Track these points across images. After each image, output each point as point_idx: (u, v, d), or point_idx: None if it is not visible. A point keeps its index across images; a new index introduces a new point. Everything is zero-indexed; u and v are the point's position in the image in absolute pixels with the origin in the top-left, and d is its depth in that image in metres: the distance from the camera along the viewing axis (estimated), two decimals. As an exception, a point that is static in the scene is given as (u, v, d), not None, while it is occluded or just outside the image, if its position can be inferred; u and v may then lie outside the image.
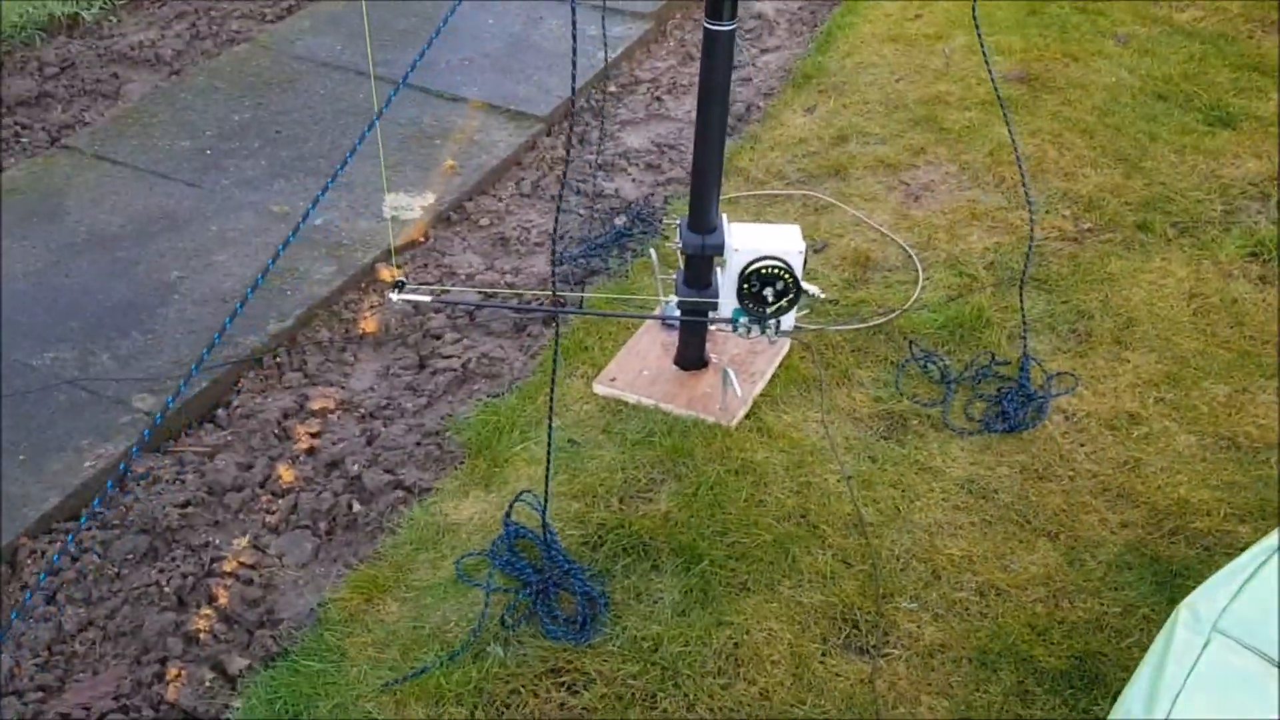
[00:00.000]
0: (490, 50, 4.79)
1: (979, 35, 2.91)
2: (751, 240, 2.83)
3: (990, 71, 2.95)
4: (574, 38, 2.09)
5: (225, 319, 1.86)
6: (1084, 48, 4.79)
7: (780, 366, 3.21)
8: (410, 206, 3.89)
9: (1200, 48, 4.78)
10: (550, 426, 2.63)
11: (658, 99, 4.64)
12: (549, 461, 2.62)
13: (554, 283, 2.71)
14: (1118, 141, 4.20)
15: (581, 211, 3.95)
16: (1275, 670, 1.66)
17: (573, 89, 2.15)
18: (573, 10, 2.16)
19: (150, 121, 4.26)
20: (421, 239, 3.80)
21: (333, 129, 4.25)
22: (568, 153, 2.31)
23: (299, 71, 4.61)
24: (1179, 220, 3.82)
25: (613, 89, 4.69)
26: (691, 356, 3.18)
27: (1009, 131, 3.18)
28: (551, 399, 2.59)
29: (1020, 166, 3.21)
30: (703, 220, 2.90)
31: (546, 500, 2.64)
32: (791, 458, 2.95)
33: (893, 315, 3.41)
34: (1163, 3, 5.15)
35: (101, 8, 4.98)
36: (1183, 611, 1.76)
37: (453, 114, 4.38)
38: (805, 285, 2.84)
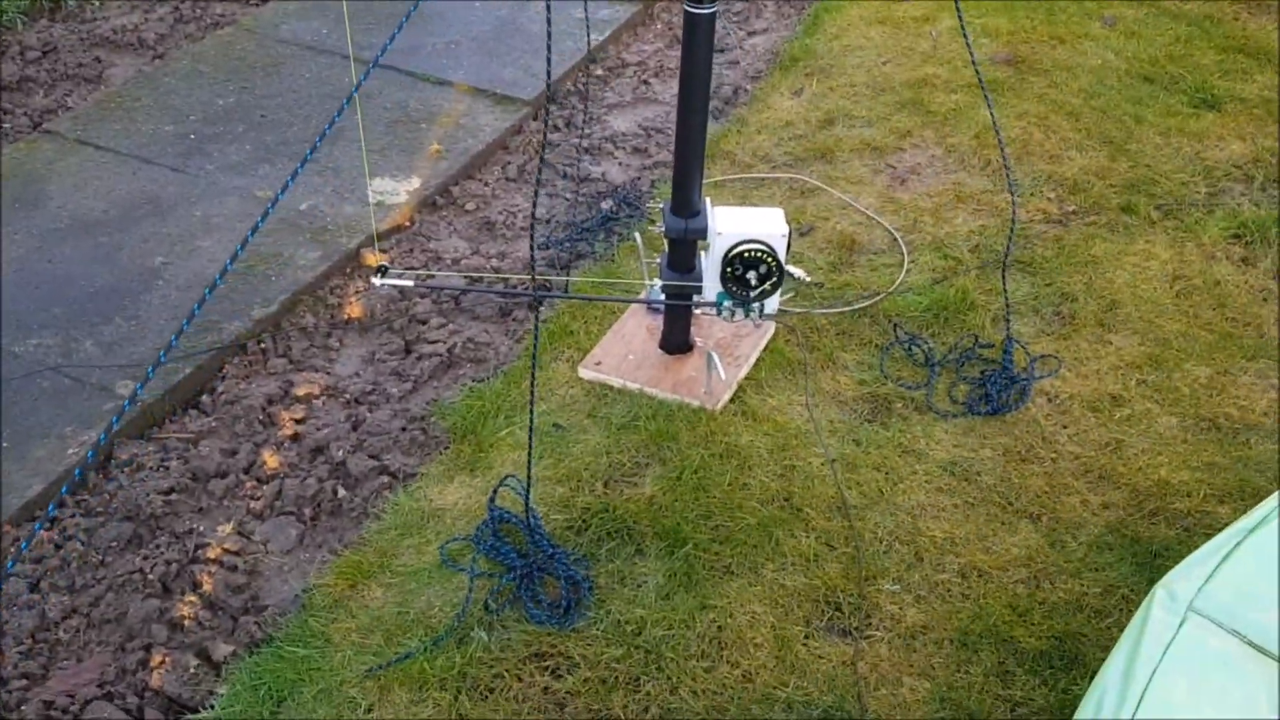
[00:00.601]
0: (477, 33, 4.77)
1: (960, 18, 2.90)
2: (735, 224, 2.82)
3: (972, 55, 2.94)
4: (549, 21, 2.09)
5: (208, 304, 1.86)
6: (1071, 29, 4.79)
7: (765, 350, 3.21)
8: (395, 191, 3.88)
9: (1186, 30, 4.78)
10: (532, 411, 2.64)
11: (645, 82, 4.63)
12: (530, 446, 2.63)
13: (533, 265, 2.71)
14: (1103, 124, 4.20)
15: (567, 195, 3.95)
16: (1249, 650, 1.67)
17: (548, 71, 2.14)
18: (549, -6, 2.15)
19: (133, 106, 4.24)
20: (407, 224, 3.79)
21: (318, 113, 4.23)
22: (545, 136, 2.31)
23: (284, 55, 4.58)
24: (1163, 202, 3.82)
25: (599, 72, 4.68)
26: (676, 340, 3.18)
27: (990, 115, 3.18)
28: (533, 383, 2.60)
29: (1003, 150, 3.22)
30: (685, 204, 2.90)
31: (529, 485, 2.65)
32: (776, 441, 2.95)
33: (878, 298, 3.42)
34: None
35: (84, -9, 4.95)
36: (1159, 591, 1.77)
37: (439, 97, 4.36)
38: (790, 268, 2.84)
